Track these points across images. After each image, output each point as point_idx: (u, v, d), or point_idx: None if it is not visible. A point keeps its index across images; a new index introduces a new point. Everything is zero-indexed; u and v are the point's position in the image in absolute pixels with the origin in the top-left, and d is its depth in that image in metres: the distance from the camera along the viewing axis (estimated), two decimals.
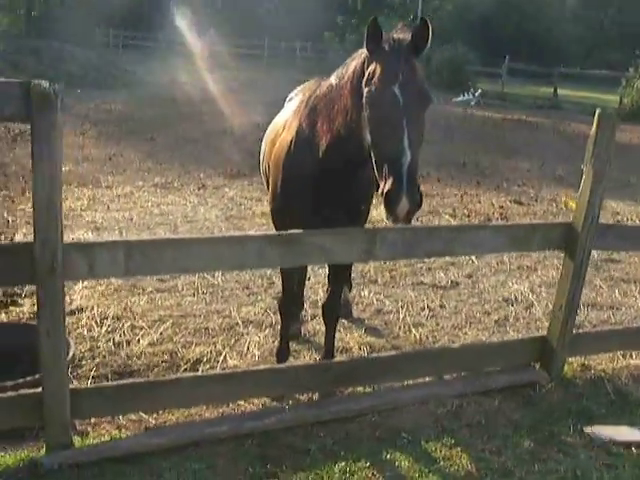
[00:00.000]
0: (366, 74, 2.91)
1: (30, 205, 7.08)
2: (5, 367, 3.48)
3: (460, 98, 23.44)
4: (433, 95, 2.91)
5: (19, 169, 9.27)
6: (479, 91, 23.84)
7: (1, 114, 2.70)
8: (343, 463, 3.12)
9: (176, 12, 32.81)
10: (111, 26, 34.38)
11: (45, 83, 2.66)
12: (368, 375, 3.63)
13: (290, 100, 4.36)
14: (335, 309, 3.95)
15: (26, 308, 4.88)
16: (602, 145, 3.59)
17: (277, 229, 3.72)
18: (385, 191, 2.69)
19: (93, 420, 3.53)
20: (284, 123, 3.78)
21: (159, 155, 11.00)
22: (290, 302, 4.04)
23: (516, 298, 5.60)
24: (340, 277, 3.93)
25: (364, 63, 3.00)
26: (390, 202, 2.69)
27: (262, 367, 3.69)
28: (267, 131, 4.26)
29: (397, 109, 2.76)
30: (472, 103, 22.87)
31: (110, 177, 9.29)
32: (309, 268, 5.47)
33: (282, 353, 4.12)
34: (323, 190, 3.35)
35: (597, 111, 3.61)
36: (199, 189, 8.94)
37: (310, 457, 3.16)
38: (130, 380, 3.67)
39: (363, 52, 3.05)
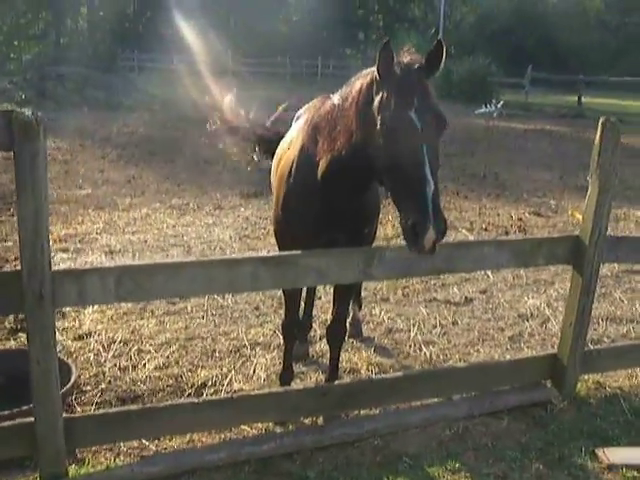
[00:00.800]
0: (376, 99, 2.81)
1: None
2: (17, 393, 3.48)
3: (482, 110, 23.16)
4: (448, 117, 2.81)
5: None
6: (501, 102, 23.48)
7: None
8: None
9: (191, 34, 33.24)
10: (130, 49, 34.96)
11: (28, 112, 2.66)
12: (370, 397, 3.54)
13: (298, 118, 4.32)
14: (339, 331, 3.87)
15: None
16: (607, 155, 3.48)
17: (280, 250, 3.67)
18: (411, 224, 2.61)
19: (94, 447, 3.51)
20: (290, 141, 3.74)
21: (178, 177, 11.05)
22: (293, 323, 3.96)
23: (531, 313, 5.46)
24: (345, 298, 3.85)
25: (371, 85, 2.90)
26: (417, 234, 2.60)
27: (260, 392, 3.61)
28: (277, 149, 4.22)
29: (416, 136, 2.65)
30: (494, 115, 22.60)
31: (128, 199, 9.34)
32: (320, 287, 5.42)
33: (285, 376, 4.05)
34: (324, 212, 3.27)
35: (600, 120, 3.50)
36: (215, 209, 8.94)
37: None
38: (125, 408, 3.62)
39: (369, 73, 2.98)
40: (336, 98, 3.21)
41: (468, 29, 38.38)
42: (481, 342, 4.93)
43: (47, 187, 2.74)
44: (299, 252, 3.24)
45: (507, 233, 7.83)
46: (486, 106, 23.51)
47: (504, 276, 6.29)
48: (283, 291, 3.89)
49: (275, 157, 4.11)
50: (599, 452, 3.37)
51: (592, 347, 4.38)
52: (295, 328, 4.01)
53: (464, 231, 7.86)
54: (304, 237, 3.39)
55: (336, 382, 3.79)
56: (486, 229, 8.02)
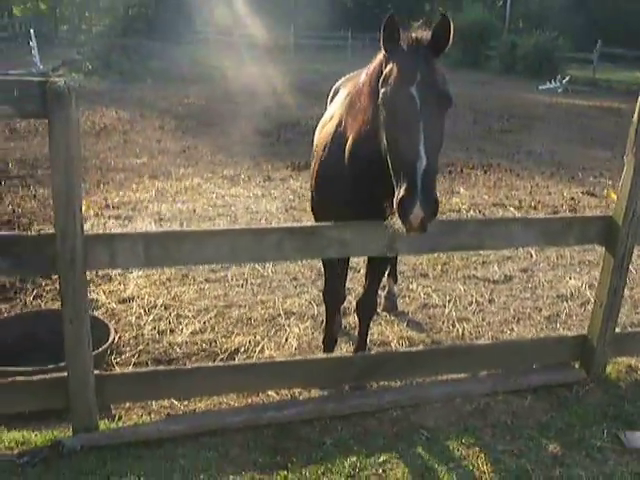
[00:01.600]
0: (383, 74, 2.80)
1: (102, 197, 7.39)
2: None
3: (546, 86, 22.56)
4: (453, 97, 2.75)
5: (98, 162, 9.69)
6: (567, 78, 22.82)
7: (23, 111, 2.83)
8: (355, 458, 3.10)
9: (254, 7, 33.31)
10: (194, 22, 35.24)
11: (61, 81, 2.76)
12: (394, 370, 3.58)
13: (337, 90, 4.33)
14: (370, 305, 3.91)
15: None
16: None
17: (315, 220, 3.74)
18: (398, 198, 2.56)
19: (127, 405, 3.69)
20: (332, 113, 3.77)
21: (231, 148, 11.18)
22: (334, 291, 4.01)
23: (572, 294, 5.38)
24: (377, 273, 3.86)
25: (382, 63, 2.90)
26: (403, 210, 2.54)
27: (284, 359, 3.71)
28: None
29: (414, 111, 2.61)
30: (559, 90, 21.96)
31: (181, 169, 9.54)
32: (357, 259, 5.47)
33: (329, 342, 4.14)
34: (355, 186, 3.28)
35: None
36: (265, 181, 9.04)
37: (323, 450, 3.16)
38: (153, 368, 3.79)
39: None
40: (363, 74, 3.22)
41: (538, 0, 36.96)
42: (516, 321, 4.90)
43: (80, 155, 2.86)
44: (324, 223, 3.29)
45: (556, 212, 7.66)
46: (550, 82, 22.91)
47: (547, 255, 6.18)
48: (322, 261, 3.96)
49: (317, 128, 4.12)
50: (621, 435, 3.33)
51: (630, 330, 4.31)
52: (335, 297, 4.06)
53: (512, 209, 7.73)
54: (335, 211, 3.43)
55: (360, 353, 3.85)
56: (535, 208, 7.86)
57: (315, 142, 3.87)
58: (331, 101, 4.32)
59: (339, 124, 3.40)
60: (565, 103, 18.67)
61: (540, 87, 22.51)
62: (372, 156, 2.93)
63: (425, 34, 2.79)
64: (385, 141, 2.77)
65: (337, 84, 4.46)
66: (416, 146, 2.56)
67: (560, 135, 13.20)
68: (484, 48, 31.26)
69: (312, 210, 3.86)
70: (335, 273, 3.99)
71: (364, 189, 3.20)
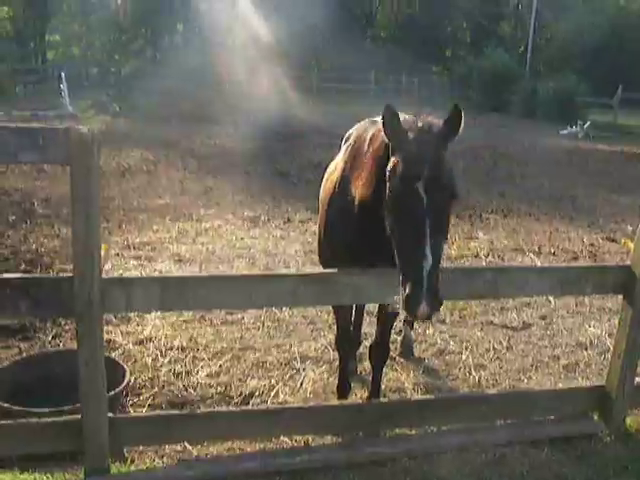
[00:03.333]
0: (390, 162, 2.75)
1: (124, 237, 7.49)
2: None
3: (566, 130, 22.63)
4: (460, 192, 2.75)
5: (121, 203, 9.84)
6: (588, 123, 22.88)
7: (47, 158, 2.91)
8: None
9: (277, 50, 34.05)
10: (221, 65, 36.06)
11: (84, 129, 2.85)
12: (407, 418, 3.55)
13: (347, 139, 4.39)
14: (382, 352, 3.91)
15: None
16: None
17: (323, 267, 3.75)
18: (404, 296, 2.61)
19: (140, 448, 3.69)
20: (336, 163, 3.82)
21: (252, 188, 11.32)
22: (345, 338, 4.01)
23: (591, 342, 5.31)
24: (389, 317, 3.87)
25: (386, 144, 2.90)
26: (409, 307, 2.60)
27: (297, 405, 3.70)
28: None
29: (420, 211, 2.61)
30: (580, 135, 22.01)
31: (202, 210, 9.65)
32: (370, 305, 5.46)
33: (342, 388, 4.12)
34: (362, 240, 3.27)
35: None
36: (284, 223, 9.11)
37: None
38: (166, 412, 3.79)
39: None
40: (370, 131, 3.26)
41: (559, 46, 37.33)
42: (534, 369, 4.84)
43: (98, 200, 2.93)
44: (337, 270, 3.31)
45: (576, 259, 7.62)
46: (571, 127, 22.96)
47: (566, 302, 6.13)
48: (333, 307, 3.96)
49: (324, 177, 4.18)
50: None
51: None
52: (347, 343, 4.06)
53: (531, 255, 7.69)
54: (343, 260, 3.44)
55: (373, 400, 3.82)
56: (554, 254, 7.82)
57: (322, 188, 3.91)
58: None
59: (344, 175, 3.43)
60: (586, 148, 18.69)
61: (561, 132, 22.57)
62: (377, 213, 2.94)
63: (434, 122, 2.79)
64: (390, 227, 2.79)
65: (350, 130, 4.52)
66: (422, 246, 2.58)
67: (580, 180, 13.20)
68: (505, 92, 31.52)
69: (320, 258, 3.87)
70: (347, 319, 3.99)
71: (374, 237, 3.21)
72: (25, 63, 34.92)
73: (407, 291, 2.59)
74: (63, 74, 22.67)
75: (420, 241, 2.58)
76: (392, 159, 2.74)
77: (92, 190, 2.84)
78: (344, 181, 3.39)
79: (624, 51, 37.12)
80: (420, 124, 2.76)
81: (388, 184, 2.73)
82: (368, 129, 3.41)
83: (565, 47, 36.31)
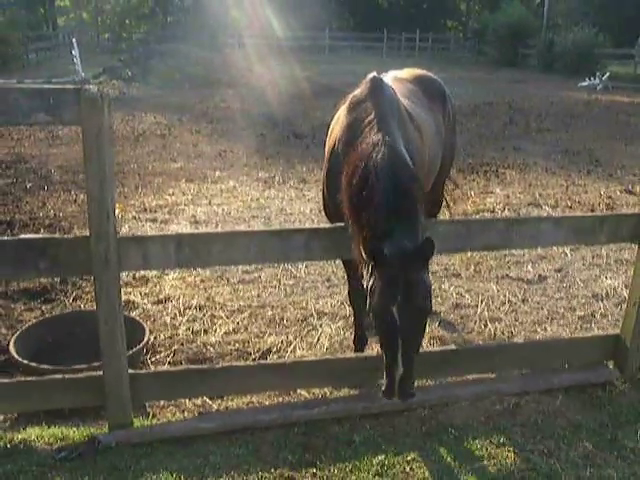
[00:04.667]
0: (371, 280, 2.83)
1: (140, 200, 7.54)
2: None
3: (585, 83, 22.20)
4: (433, 308, 3.00)
5: (136, 167, 9.88)
6: (607, 74, 22.41)
7: (58, 118, 2.93)
8: (383, 456, 3.13)
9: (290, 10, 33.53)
10: (232, 29, 35.60)
11: (94, 89, 2.86)
12: (422, 369, 3.56)
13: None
14: None
15: None
16: None
17: (330, 222, 3.76)
18: (381, 385, 2.83)
19: (161, 403, 3.78)
20: (337, 117, 3.78)
21: (267, 150, 11.30)
22: (357, 292, 4.03)
23: (607, 294, 5.30)
24: None
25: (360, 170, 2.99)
26: (386, 395, 2.81)
27: (315, 359, 3.75)
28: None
29: (393, 330, 2.76)
30: (598, 88, 21.59)
31: (217, 172, 9.66)
32: None
33: (359, 341, 4.17)
34: None
35: None
36: (299, 183, 9.11)
37: (352, 448, 3.19)
38: (185, 367, 3.87)
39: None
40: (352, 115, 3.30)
41: None
42: (549, 321, 4.85)
43: (112, 159, 2.96)
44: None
45: (593, 211, 7.55)
46: (590, 79, 22.53)
47: (583, 254, 6.11)
48: (343, 261, 3.97)
49: (330, 126, 4.11)
50: None
51: None
52: (359, 297, 4.08)
53: (547, 208, 7.65)
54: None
55: None
56: (571, 207, 7.76)
57: (327, 139, 3.88)
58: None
59: (336, 147, 3.44)
60: (605, 100, 18.37)
61: (579, 84, 22.17)
62: None
63: (409, 244, 2.80)
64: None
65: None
66: (395, 357, 2.77)
67: (599, 133, 13.01)
68: (522, 46, 30.91)
69: (324, 210, 3.85)
70: (358, 273, 4.01)
71: None
72: (35, 30, 34.65)
73: (384, 382, 2.81)
74: (74, 40, 22.54)
75: (392, 353, 2.78)
76: (373, 278, 2.82)
77: (104, 149, 2.86)
78: (336, 152, 3.41)
79: None
80: (398, 246, 2.78)
81: (368, 300, 2.85)
82: (375, 89, 3.42)
83: None
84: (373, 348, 4.38)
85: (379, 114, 3.24)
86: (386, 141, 3.04)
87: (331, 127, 3.84)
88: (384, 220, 2.84)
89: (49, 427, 3.37)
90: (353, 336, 4.23)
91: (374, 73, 3.76)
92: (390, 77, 4.35)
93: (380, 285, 2.77)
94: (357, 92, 3.53)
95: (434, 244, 2.75)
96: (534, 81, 24.50)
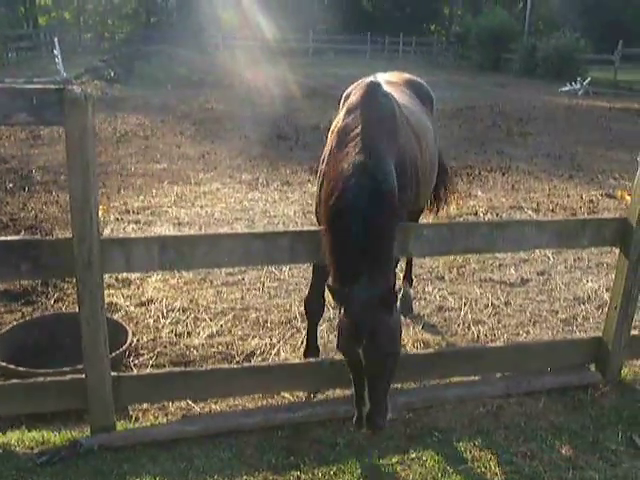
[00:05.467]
0: (339, 319, 2.91)
1: (122, 202, 7.49)
2: None
3: (566, 88, 22.43)
4: (399, 351, 2.95)
5: (119, 168, 9.82)
6: (587, 80, 22.66)
7: (41, 119, 2.90)
8: (367, 459, 3.13)
9: (274, 12, 33.51)
10: (215, 28, 35.54)
11: (77, 89, 2.83)
12: (406, 372, 3.58)
13: (348, 96, 4.33)
14: None
15: None
16: None
17: (319, 224, 3.74)
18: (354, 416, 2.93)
19: (144, 406, 3.75)
20: (336, 122, 3.75)
21: (250, 152, 11.27)
22: (315, 300, 3.93)
23: (589, 297, 5.35)
24: None
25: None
26: (355, 425, 2.93)
27: (297, 361, 3.74)
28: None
29: (359, 370, 2.85)
30: (579, 93, 21.83)
31: (200, 174, 9.62)
32: None
33: (310, 354, 4.09)
34: None
35: None
36: (283, 185, 9.10)
37: (336, 452, 3.19)
38: (168, 369, 3.84)
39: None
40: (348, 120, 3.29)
41: (559, 2, 36.72)
42: (532, 324, 4.88)
43: (95, 160, 2.92)
44: None
45: (574, 215, 7.62)
46: (571, 84, 22.76)
47: (565, 258, 6.16)
48: (313, 266, 3.87)
49: (330, 129, 4.08)
50: (636, 438, 3.32)
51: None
52: (317, 304, 3.98)
53: (529, 212, 7.71)
54: None
55: None
56: (553, 210, 7.83)
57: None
58: (343, 105, 4.32)
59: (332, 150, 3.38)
60: (585, 105, 18.57)
61: (560, 89, 22.39)
62: None
63: (376, 291, 2.81)
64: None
65: (349, 89, 4.46)
66: (361, 394, 2.87)
67: (580, 137, 13.14)
68: (504, 51, 31.16)
69: (316, 214, 3.80)
70: (322, 281, 3.95)
71: None
72: (15, 29, 34.25)
73: (355, 414, 2.92)
74: (56, 40, 22.38)
75: (359, 390, 2.88)
76: (340, 321, 2.89)
77: (88, 150, 2.83)
78: (329, 151, 3.37)
79: (625, 7, 36.61)
80: (363, 289, 2.82)
81: (336, 339, 2.94)
82: (368, 96, 3.39)
83: (565, 3, 35.74)
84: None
85: (367, 127, 3.17)
86: (366, 167, 2.98)
87: (331, 128, 3.82)
88: (352, 264, 2.87)
89: (30, 431, 3.33)
90: (304, 349, 4.16)
91: (371, 78, 3.74)
92: (382, 80, 4.35)
93: (346, 327, 2.83)
94: (353, 99, 3.48)
95: (396, 295, 2.86)
96: (516, 85, 24.71)
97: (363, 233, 2.86)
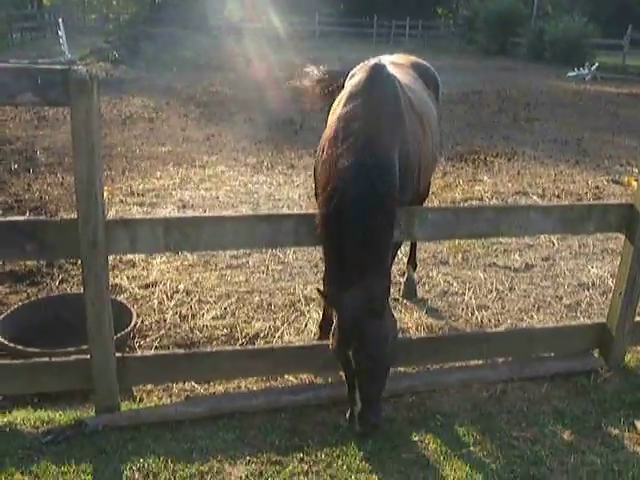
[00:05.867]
0: (334, 321, 2.99)
1: (127, 184, 7.48)
2: None
3: (574, 73, 22.26)
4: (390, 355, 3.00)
5: (124, 150, 9.79)
6: (595, 65, 22.49)
7: (46, 99, 2.88)
8: (370, 441, 3.14)
9: None
10: (222, 11, 35.29)
11: (82, 69, 2.82)
12: (409, 356, 3.60)
13: (352, 76, 4.29)
14: None
15: None
16: None
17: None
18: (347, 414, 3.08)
19: (149, 387, 3.77)
20: (339, 100, 3.72)
21: (255, 136, 11.22)
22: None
23: (593, 283, 5.34)
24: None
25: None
26: (350, 423, 3.07)
27: (301, 344, 3.75)
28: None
29: (350, 370, 2.96)
30: (587, 78, 21.67)
31: (205, 157, 9.60)
32: None
33: (325, 325, 4.11)
34: None
35: None
36: (288, 169, 9.07)
37: (339, 433, 3.21)
38: (172, 351, 3.86)
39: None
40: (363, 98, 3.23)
41: None
42: (536, 309, 4.88)
43: (100, 141, 2.92)
44: None
45: (580, 201, 7.59)
46: (579, 69, 22.58)
47: (570, 244, 6.15)
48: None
49: (331, 109, 4.05)
50: (638, 424, 3.32)
51: None
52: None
53: (535, 197, 7.68)
54: None
55: None
56: (559, 196, 7.80)
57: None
58: (346, 85, 4.28)
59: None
60: (593, 90, 18.46)
61: (568, 74, 22.22)
62: None
63: (367, 296, 2.86)
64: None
65: (353, 70, 4.42)
66: (353, 394, 2.99)
67: (587, 123, 13.07)
68: (511, 35, 30.89)
69: (316, 197, 3.80)
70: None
71: None
72: (20, 9, 33.99)
73: (347, 413, 3.07)
74: (61, 20, 22.26)
75: (351, 391, 3.00)
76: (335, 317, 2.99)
77: (93, 130, 2.83)
78: (327, 139, 3.33)
79: None
80: (352, 300, 2.89)
81: (331, 335, 3.03)
82: (372, 76, 3.36)
83: None
84: None
85: (369, 120, 3.13)
86: (365, 170, 2.96)
87: (331, 111, 3.78)
88: (345, 269, 2.92)
89: (35, 410, 3.35)
90: (320, 319, 4.18)
91: (376, 60, 3.71)
92: (387, 62, 4.31)
93: (338, 330, 2.92)
94: (356, 80, 3.46)
95: (383, 305, 2.89)
96: (523, 70, 24.55)
97: (357, 241, 2.90)
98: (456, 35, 39.09)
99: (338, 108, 3.44)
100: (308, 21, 36.74)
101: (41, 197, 7.20)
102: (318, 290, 3.08)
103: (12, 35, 27.91)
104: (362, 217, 2.91)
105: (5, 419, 3.25)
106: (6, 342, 3.69)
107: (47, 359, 3.29)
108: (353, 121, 3.14)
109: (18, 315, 4.10)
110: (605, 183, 8.52)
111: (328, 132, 3.38)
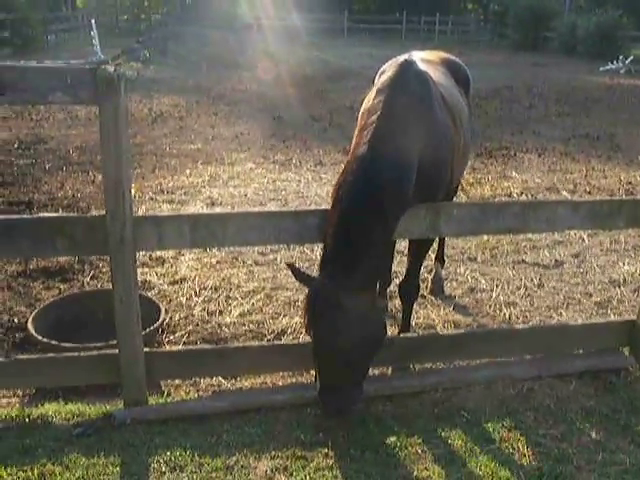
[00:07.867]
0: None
1: (157, 182, 7.57)
2: None
3: (608, 67, 21.88)
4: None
5: (154, 148, 9.91)
6: (630, 58, 22.06)
7: (75, 98, 2.93)
8: (395, 437, 3.14)
9: None
10: (250, 10, 35.41)
11: (111, 69, 2.86)
12: (435, 352, 3.60)
13: (382, 73, 4.28)
14: (412, 288, 3.92)
15: None
16: None
17: None
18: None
19: (176, 382, 3.82)
20: (369, 99, 3.73)
21: (284, 133, 11.27)
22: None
23: (624, 280, 5.26)
24: (418, 254, 3.86)
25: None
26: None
27: None
28: None
29: (314, 354, 3.03)
30: (621, 71, 21.27)
31: (234, 154, 9.66)
32: (401, 244, 5.46)
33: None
34: None
35: None
36: (316, 165, 9.09)
37: (364, 429, 3.21)
38: (200, 346, 3.90)
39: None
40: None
41: None
42: (565, 306, 4.83)
43: (128, 138, 2.97)
44: None
45: (612, 196, 7.47)
46: (613, 63, 22.18)
47: (601, 240, 6.06)
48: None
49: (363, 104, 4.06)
50: None
51: None
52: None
53: (565, 193, 7.58)
54: None
55: (401, 335, 3.87)
56: (590, 192, 7.69)
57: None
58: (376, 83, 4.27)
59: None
60: (627, 84, 18.12)
61: (601, 68, 21.86)
62: None
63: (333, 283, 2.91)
64: None
65: (384, 66, 4.41)
66: (316, 375, 3.10)
67: (620, 118, 12.84)
68: (542, 29, 30.47)
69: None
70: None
71: None
72: (54, 11, 34.50)
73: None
74: (93, 21, 22.57)
75: (315, 370, 3.11)
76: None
77: (120, 128, 2.87)
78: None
79: None
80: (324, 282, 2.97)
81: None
82: (402, 73, 3.38)
83: None
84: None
85: (386, 115, 3.14)
86: (366, 163, 3.00)
87: (362, 107, 3.80)
88: (330, 257, 3.01)
89: (66, 403, 3.42)
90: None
91: (406, 56, 3.70)
92: (417, 58, 4.29)
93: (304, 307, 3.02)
94: (385, 76, 3.48)
95: (350, 298, 2.87)
96: (555, 65, 24.19)
97: (342, 232, 2.95)
98: (486, 30, 38.71)
99: (367, 104, 3.46)
100: (337, 18, 36.68)
101: (73, 195, 7.32)
102: (287, 264, 3.18)
103: (47, 37, 28.34)
104: (351, 207, 2.96)
105: (38, 412, 3.32)
106: (38, 337, 3.77)
107: (77, 354, 3.35)
108: (374, 114, 3.17)
109: (50, 310, 4.19)
110: (638, 179, 8.37)
111: (357, 125, 3.45)
